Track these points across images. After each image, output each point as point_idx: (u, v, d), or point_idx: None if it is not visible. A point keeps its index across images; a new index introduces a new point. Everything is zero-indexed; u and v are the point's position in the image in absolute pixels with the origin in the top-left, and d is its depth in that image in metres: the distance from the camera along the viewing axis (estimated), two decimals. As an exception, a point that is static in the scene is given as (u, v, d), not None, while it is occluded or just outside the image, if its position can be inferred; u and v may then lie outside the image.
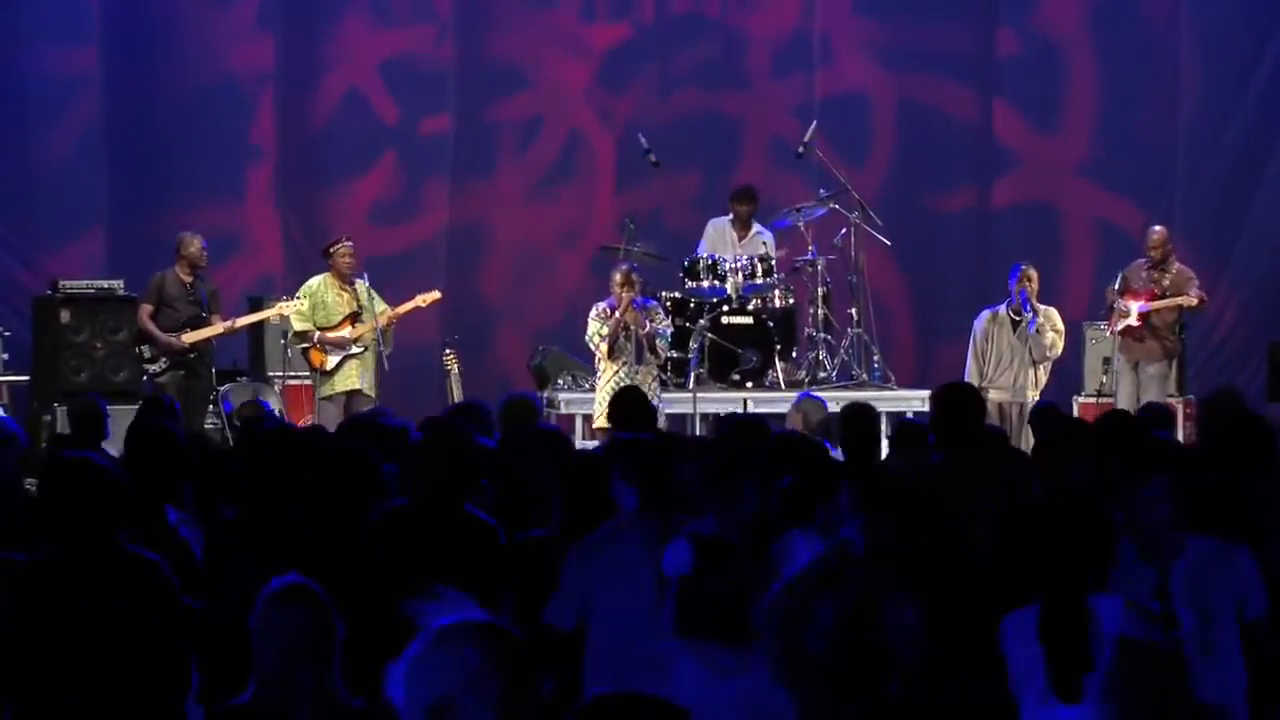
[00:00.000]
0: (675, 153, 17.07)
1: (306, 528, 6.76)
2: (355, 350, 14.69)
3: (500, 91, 18.09)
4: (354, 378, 14.67)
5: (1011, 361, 15.00)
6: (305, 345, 14.77)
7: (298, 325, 14.72)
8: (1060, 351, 15.16)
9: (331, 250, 14.89)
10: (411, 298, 15.00)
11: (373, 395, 14.64)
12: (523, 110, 18.15)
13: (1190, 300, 15.06)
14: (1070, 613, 5.42)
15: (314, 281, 14.88)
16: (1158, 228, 15.45)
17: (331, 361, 14.67)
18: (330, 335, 14.66)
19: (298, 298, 14.77)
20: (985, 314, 15.26)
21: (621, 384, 14.26)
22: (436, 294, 15.10)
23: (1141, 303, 15.02)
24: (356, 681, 5.20)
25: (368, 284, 14.78)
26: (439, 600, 5.69)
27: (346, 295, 14.76)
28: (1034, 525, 5.64)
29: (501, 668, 3.33)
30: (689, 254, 15.77)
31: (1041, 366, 15.05)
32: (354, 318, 14.71)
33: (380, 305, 14.77)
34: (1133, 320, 15.02)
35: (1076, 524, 5.55)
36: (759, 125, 18.19)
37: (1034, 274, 15.03)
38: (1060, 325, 15.10)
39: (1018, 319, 15.00)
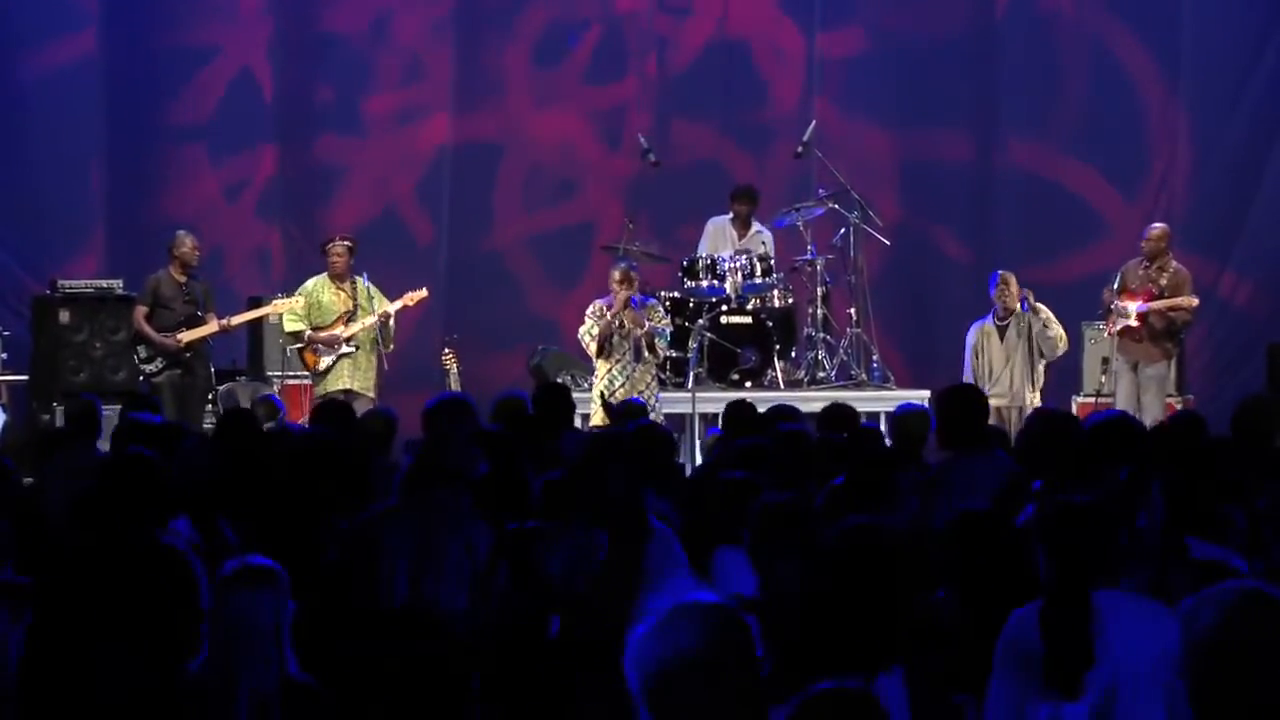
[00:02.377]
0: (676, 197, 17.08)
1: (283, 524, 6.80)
2: (347, 350, 14.62)
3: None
4: (345, 377, 14.58)
5: (1006, 367, 14.99)
6: (299, 346, 14.74)
7: (290, 326, 14.69)
8: (1066, 348, 15.16)
9: (325, 249, 14.88)
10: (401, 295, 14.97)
11: (370, 394, 14.56)
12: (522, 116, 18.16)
13: (1190, 301, 15.00)
14: (1074, 609, 5.39)
15: (311, 282, 14.83)
16: (1156, 225, 15.42)
17: (324, 362, 14.62)
18: (321, 335, 14.61)
19: (295, 296, 14.74)
20: (974, 328, 15.27)
21: (616, 382, 14.24)
22: (424, 292, 15.03)
23: (1139, 303, 14.99)
24: (310, 657, 5.34)
25: (367, 283, 14.73)
26: (669, 591, 5.77)
27: (343, 294, 14.71)
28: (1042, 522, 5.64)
29: (716, 644, 3.44)
30: (689, 254, 15.75)
31: (1041, 365, 15.04)
32: (348, 316, 14.68)
33: (381, 304, 14.69)
34: (1131, 321, 14.99)
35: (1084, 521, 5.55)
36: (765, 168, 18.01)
37: (1012, 278, 15.10)
38: (1059, 328, 15.10)
39: (1003, 324, 15.03)
